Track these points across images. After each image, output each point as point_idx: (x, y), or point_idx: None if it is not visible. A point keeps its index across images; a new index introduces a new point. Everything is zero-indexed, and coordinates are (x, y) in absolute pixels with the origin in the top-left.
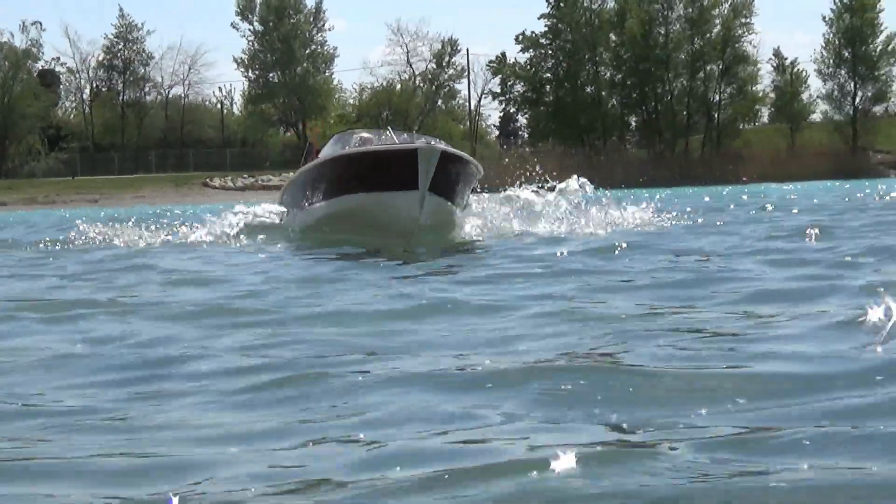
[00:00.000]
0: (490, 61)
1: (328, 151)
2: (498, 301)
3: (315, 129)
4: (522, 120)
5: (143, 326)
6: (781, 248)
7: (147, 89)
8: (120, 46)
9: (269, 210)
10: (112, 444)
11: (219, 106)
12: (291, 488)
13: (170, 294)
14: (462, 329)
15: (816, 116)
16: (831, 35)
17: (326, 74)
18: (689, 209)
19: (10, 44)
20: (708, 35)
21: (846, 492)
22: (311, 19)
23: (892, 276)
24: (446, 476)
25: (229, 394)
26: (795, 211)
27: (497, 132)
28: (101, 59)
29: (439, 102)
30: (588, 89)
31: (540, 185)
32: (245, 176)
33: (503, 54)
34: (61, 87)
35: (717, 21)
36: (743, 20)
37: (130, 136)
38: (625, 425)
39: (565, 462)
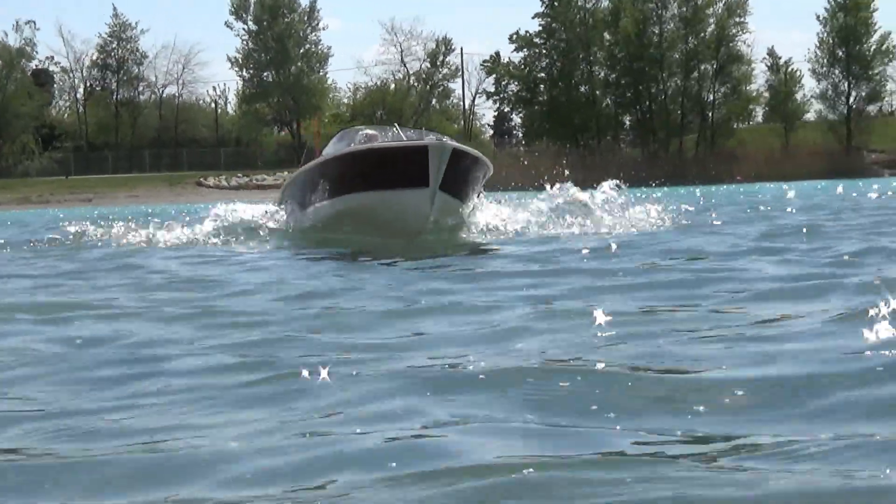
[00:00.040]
0: (484, 61)
1: (332, 149)
2: (496, 301)
3: (316, 122)
4: (516, 119)
5: (132, 327)
6: (795, 247)
7: (141, 88)
8: (114, 46)
9: (252, 211)
10: (106, 446)
11: (213, 105)
12: (276, 489)
13: (159, 294)
14: (454, 329)
15: (810, 116)
16: (825, 34)
17: (321, 74)
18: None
19: (4, 43)
20: (702, 34)
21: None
22: (306, 18)
23: (886, 275)
24: (411, 477)
25: (218, 393)
26: (790, 209)
27: (491, 132)
28: (94, 58)
29: (433, 102)
30: (582, 89)
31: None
32: (239, 175)
33: (497, 54)
34: (55, 86)
35: (712, 20)
36: (737, 19)
37: (124, 135)
38: (611, 429)
39: (545, 467)
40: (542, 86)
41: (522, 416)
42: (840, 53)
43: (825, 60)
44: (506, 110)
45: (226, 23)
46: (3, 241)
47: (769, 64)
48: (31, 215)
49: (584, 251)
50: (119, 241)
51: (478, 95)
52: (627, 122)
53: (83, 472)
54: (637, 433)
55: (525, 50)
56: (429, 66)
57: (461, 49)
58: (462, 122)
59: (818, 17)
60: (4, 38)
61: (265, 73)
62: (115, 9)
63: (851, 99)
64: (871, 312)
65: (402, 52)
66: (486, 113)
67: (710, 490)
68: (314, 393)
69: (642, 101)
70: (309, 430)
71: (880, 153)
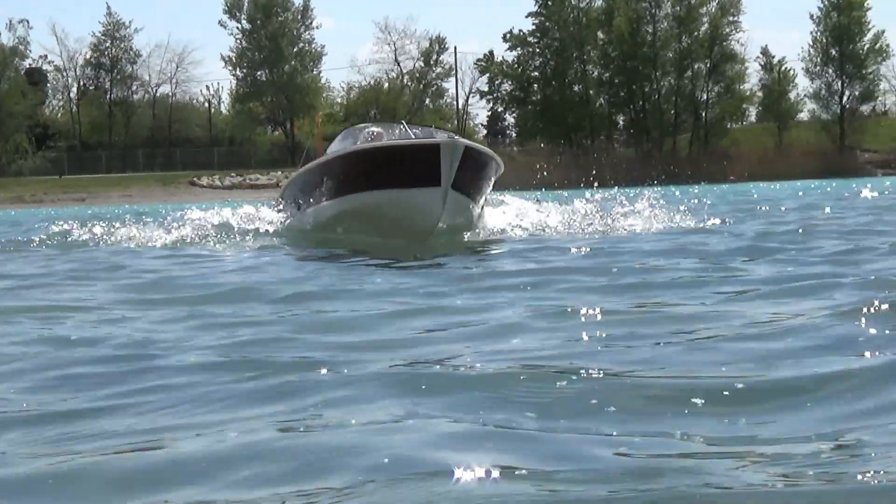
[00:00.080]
0: (478, 60)
1: (336, 147)
2: (491, 302)
3: (318, 121)
4: (510, 119)
5: (119, 329)
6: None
7: (134, 88)
8: (107, 44)
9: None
10: (89, 449)
11: (206, 104)
12: (265, 491)
13: (141, 295)
14: (449, 329)
15: (804, 115)
16: (819, 33)
17: (314, 73)
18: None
19: None
20: (695, 33)
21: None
22: (299, 17)
23: (872, 275)
24: (399, 480)
25: (208, 394)
26: (783, 208)
27: (485, 131)
28: (88, 57)
29: (427, 101)
30: (576, 88)
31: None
32: (233, 175)
33: (491, 53)
34: (48, 85)
35: (705, 19)
36: (731, 18)
37: (118, 134)
38: (588, 434)
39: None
40: (535, 85)
41: (511, 420)
42: (833, 53)
43: (818, 60)
44: (499, 109)
45: (219, 22)
46: None
47: (763, 63)
48: (24, 215)
49: (581, 251)
50: (104, 241)
51: (471, 95)
52: (621, 122)
53: (67, 476)
54: (624, 438)
55: (519, 49)
56: (422, 65)
57: (455, 48)
58: (455, 122)
59: (812, 16)
60: None
61: (259, 73)
62: (108, 8)
63: (845, 98)
64: (865, 311)
65: (395, 51)
66: (480, 112)
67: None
68: (304, 393)
69: (636, 100)
70: (298, 429)
71: (873, 153)
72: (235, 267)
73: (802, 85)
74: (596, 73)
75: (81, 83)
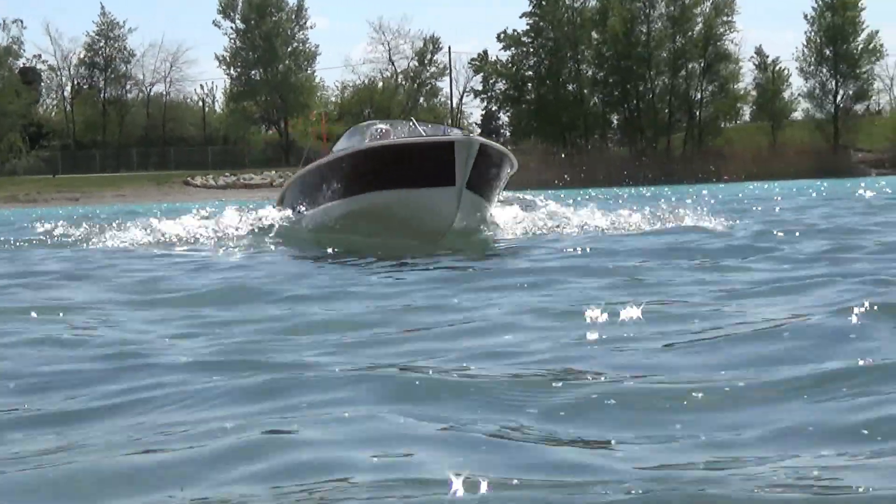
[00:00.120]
0: (472, 59)
1: (343, 145)
2: (488, 303)
3: (322, 119)
4: (504, 118)
5: (107, 331)
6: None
7: (128, 87)
8: (101, 44)
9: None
10: (73, 452)
11: (200, 104)
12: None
13: (146, 296)
14: (442, 332)
15: (798, 115)
16: (813, 33)
17: (308, 72)
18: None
19: None
20: (689, 33)
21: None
22: (293, 17)
23: (867, 275)
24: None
25: (195, 395)
26: (777, 209)
27: (479, 130)
28: (82, 56)
29: (421, 100)
30: (570, 87)
31: None
32: (227, 174)
33: (485, 52)
34: (42, 84)
35: (699, 19)
36: (724, 18)
37: (112, 133)
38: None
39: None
40: (529, 84)
41: (503, 424)
42: (827, 52)
43: (812, 59)
44: (493, 109)
45: (213, 21)
46: None
47: (757, 63)
48: (17, 214)
49: (576, 251)
50: (100, 241)
51: (465, 94)
52: (615, 121)
53: (56, 478)
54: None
55: (513, 48)
56: (416, 64)
57: (449, 48)
58: (450, 121)
59: (806, 16)
60: None
61: (253, 72)
62: (102, 7)
63: (839, 98)
64: (857, 311)
65: (389, 50)
66: (474, 112)
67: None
68: (294, 394)
69: (630, 99)
70: (287, 431)
71: (867, 152)
72: (231, 267)
73: (796, 84)
74: (590, 72)
75: (75, 82)
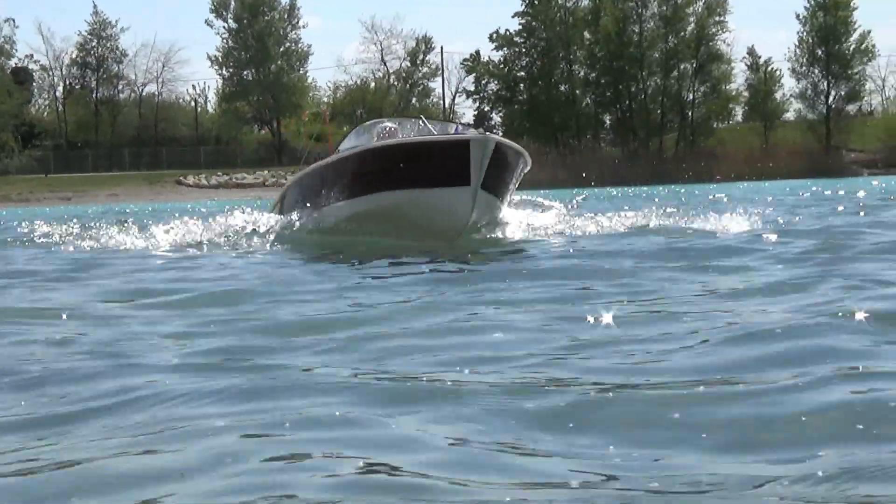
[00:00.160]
0: (464, 59)
1: (350, 144)
2: (486, 305)
3: (325, 116)
4: (497, 118)
5: (96, 333)
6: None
7: (121, 87)
8: (93, 44)
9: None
10: (56, 455)
11: (193, 104)
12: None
13: (138, 299)
14: (437, 335)
15: (790, 115)
16: (805, 33)
17: (300, 72)
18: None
19: None
20: (682, 33)
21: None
22: (286, 17)
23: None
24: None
25: (180, 397)
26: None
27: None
28: (74, 56)
29: (413, 101)
30: (562, 87)
31: None
32: (219, 174)
33: (477, 52)
34: (34, 84)
35: (691, 19)
36: (717, 18)
37: (104, 133)
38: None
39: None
40: (521, 85)
41: (496, 432)
42: (819, 53)
43: (805, 60)
44: (486, 109)
45: (206, 21)
46: None
47: (749, 63)
48: (9, 214)
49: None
50: (80, 243)
51: (458, 94)
52: (607, 122)
53: (39, 480)
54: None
55: (505, 49)
56: (409, 64)
57: (441, 48)
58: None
59: (798, 16)
60: None
61: (245, 72)
62: (95, 7)
63: (831, 98)
64: (842, 314)
65: (382, 50)
66: (466, 112)
67: None
68: (284, 396)
69: (622, 100)
70: (275, 435)
71: (859, 153)
72: (227, 269)
73: (788, 85)
74: (582, 72)
75: (67, 82)
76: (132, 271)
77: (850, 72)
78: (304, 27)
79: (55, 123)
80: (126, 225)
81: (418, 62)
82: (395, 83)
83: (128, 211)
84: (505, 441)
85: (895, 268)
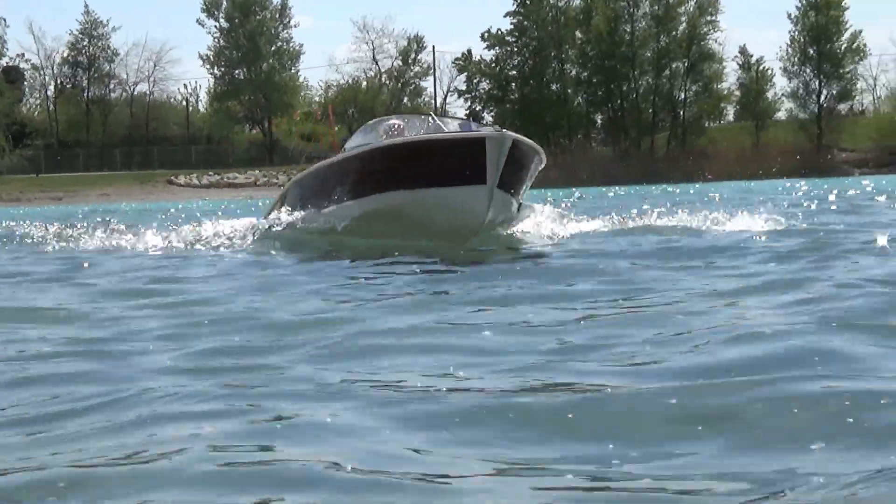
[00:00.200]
0: (456, 59)
1: (358, 142)
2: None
3: (330, 113)
4: (488, 118)
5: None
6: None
7: (112, 86)
8: (85, 43)
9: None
10: (36, 460)
11: (184, 103)
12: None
13: (129, 300)
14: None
15: (781, 114)
16: (797, 33)
17: (292, 71)
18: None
19: None
20: (673, 33)
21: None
22: (277, 16)
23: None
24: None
25: (169, 400)
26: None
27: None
28: (65, 55)
29: (405, 100)
30: (554, 87)
31: None
32: (210, 173)
33: (469, 52)
34: (25, 83)
35: (683, 18)
36: (708, 18)
37: (95, 133)
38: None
39: None
40: (513, 84)
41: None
42: (811, 52)
43: (796, 59)
44: (477, 108)
45: (197, 20)
46: None
47: (741, 62)
48: (0, 213)
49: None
50: (81, 242)
51: (449, 93)
52: (599, 121)
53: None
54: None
55: (497, 48)
56: (400, 64)
57: (433, 47)
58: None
59: (790, 15)
60: None
61: (237, 71)
62: (86, 6)
63: (822, 98)
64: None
65: (373, 49)
66: (458, 111)
67: None
68: (271, 402)
69: (614, 99)
70: (263, 444)
71: (851, 152)
72: (220, 269)
73: (780, 84)
74: (574, 72)
75: (59, 81)
76: (123, 271)
77: (841, 71)
78: (295, 26)
79: (46, 123)
80: (115, 225)
81: (410, 61)
82: (387, 82)
83: (118, 210)
84: (488, 443)
85: (883, 265)
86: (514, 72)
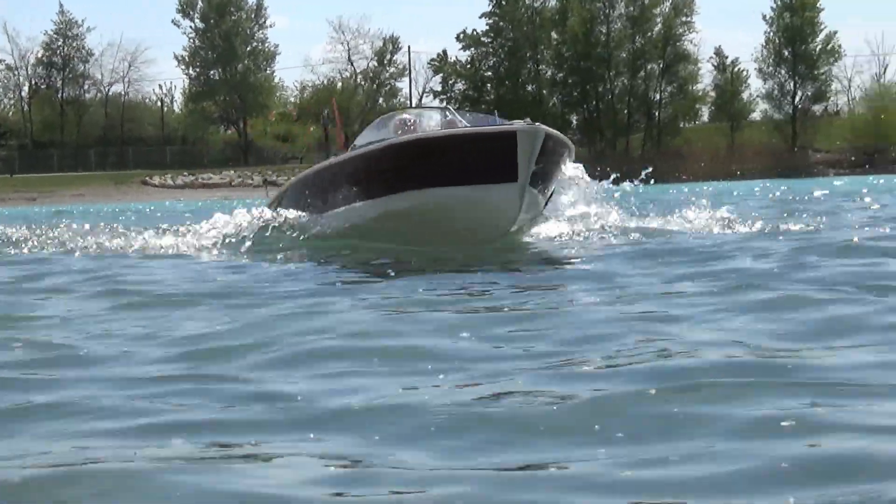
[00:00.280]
0: (431, 59)
1: (371, 137)
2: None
3: (334, 109)
4: None
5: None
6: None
7: (87, 87)
8: (59, 43)
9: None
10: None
11: (159, 104)
12: None
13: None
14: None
15: (756, 115)
16: (772, 34)
17: (267, 72)
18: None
19: None
20: (649, 34)
21: None
22: (253, 16)
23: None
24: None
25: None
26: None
27: None
28: (40, 55)
29: (380, 101)
30: (529, 88)
31: None
32: (185, 174)
33: (444, 52)
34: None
35: (659, 20)
36: (684, 19)
37: (70, 133)
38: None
39: None
40: (488, 85)
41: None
42: (786, 53)
43: (771, 60)
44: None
45: (173, 20)
46: None
47: (716, 63)
48: None
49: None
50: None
51: (425, 94)
52: (574, 122)
53: None
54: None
55: (472, 49)
56: (376, 64)
57: (408, 48)
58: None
59: (765, 16)
60: None
61: (212, 71)
62: (61, 6)
63: (797, 99)
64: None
65: (349, 50)
66: None
67: None
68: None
69: (589, 100)
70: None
71: (825, 153)
72: (205, 271)
73: (755, 85)
74: (549, 73)
75: (33, 82)
76: (101, 273)
77: (816, 72)
78: (271, 27)
79: (21, 123)
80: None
81: (385, 62)
82: (363, 83)
83: (106, 211)
84: (449, 448)
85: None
86: (490, 73)
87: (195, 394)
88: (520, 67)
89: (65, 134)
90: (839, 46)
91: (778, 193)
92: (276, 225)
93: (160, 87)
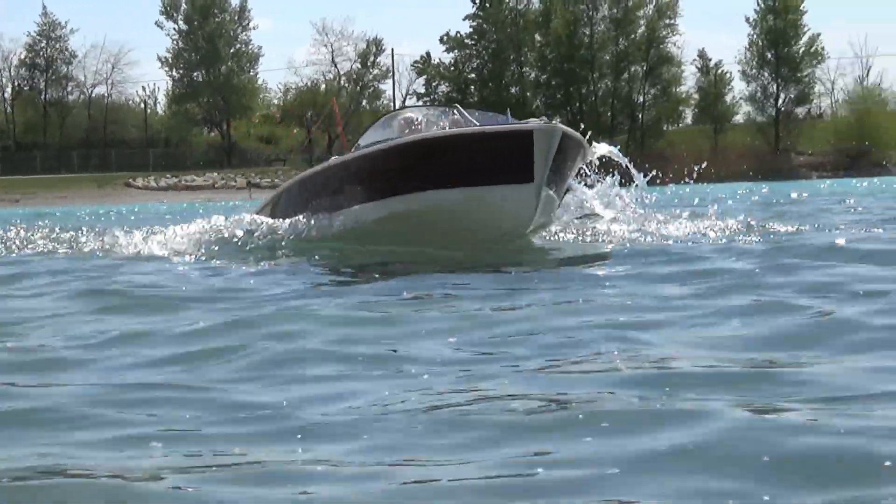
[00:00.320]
0: (415, 61)
1: (377, 136)
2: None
3: (335, 109)
4: None
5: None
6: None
7: (70, 88)
8: (42, 45)
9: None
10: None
11: (142, 105)
12: None
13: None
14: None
15: (739, 118)
16: (755, 36)
17: (251, 74)
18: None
19: None
20: (632, 36)
21: None
22: (236, 18)
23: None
24: None
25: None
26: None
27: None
28: (23, 57)
29: (364, 103)
30: (513, 90)
31: None
32: (168, 176)
33: (428, 54)
34: None
35: (642, 22)
36: (667, 21)
37: (53, 135)
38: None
39: None
40: (472, 87)
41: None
42: (769, 56)
43: (754, 62)
44: None
45: (156, 22)
46: None
47: (699, 66)
48: None
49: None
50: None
51: (408, 96)
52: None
53: None
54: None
55: (456, 51)
56: (359, 66)
57: (392, 50)
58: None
59: (748, 19)
60: None
61: (195, 73)
62: (44, 7)
63: (780, 101)
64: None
65: (332, 52)
66: None
67: None
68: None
69: (573, 102)
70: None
71: (808, 155)
72: (188, 275)
73: (738, 88)
74: (533, 75)
75: (16, 83)
76: (81, 274)
77: (799, 74)
78: (254, 29)
79: (3, 125)
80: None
81: (369, 64)
82: (346, 85)
83: (94, 213)
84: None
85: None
86: (473, 74)
87: (175, 402)
88: (503, 69)
89: (48, 136)
90: (822, 49)
91: (756, 198)
92: (272, 234)
93: (143, 88)
